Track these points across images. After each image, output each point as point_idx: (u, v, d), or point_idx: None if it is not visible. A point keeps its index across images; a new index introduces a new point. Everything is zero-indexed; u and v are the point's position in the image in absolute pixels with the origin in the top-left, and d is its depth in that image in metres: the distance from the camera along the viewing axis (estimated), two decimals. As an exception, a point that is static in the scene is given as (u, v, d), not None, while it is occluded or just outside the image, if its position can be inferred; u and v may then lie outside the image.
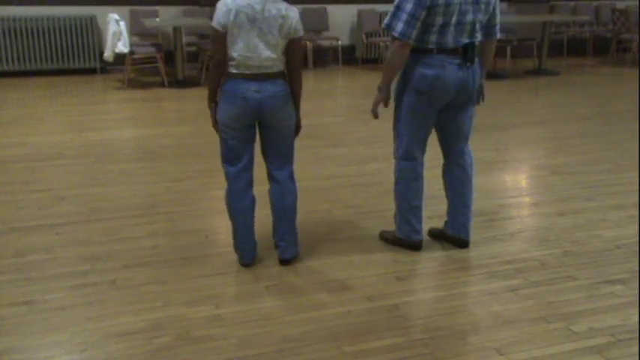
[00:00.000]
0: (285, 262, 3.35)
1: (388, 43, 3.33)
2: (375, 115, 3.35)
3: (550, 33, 9.70)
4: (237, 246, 3.34)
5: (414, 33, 3.07)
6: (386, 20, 3.14)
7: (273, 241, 3.40)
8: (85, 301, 2.99)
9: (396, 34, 3.09)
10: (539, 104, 7.38)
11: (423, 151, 3.41)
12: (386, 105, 3.33)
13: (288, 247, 3.35)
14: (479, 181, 4.67)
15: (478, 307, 2.96)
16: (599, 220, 3.98)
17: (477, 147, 5.51)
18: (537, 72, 9.43)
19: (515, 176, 4.83)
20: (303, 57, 3.19)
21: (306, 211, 4.08)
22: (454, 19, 3.08)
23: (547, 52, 9.54)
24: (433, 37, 3.12)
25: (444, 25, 3.09)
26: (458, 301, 3.03)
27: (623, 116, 6.78)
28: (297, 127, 3.30)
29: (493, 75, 9.01)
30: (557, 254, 3.52)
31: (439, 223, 3.73)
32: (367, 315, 2.90)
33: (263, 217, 3.69)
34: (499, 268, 3.34)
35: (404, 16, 3.05)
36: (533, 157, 5.30)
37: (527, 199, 4.34)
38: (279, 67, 3.08)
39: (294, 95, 3.19)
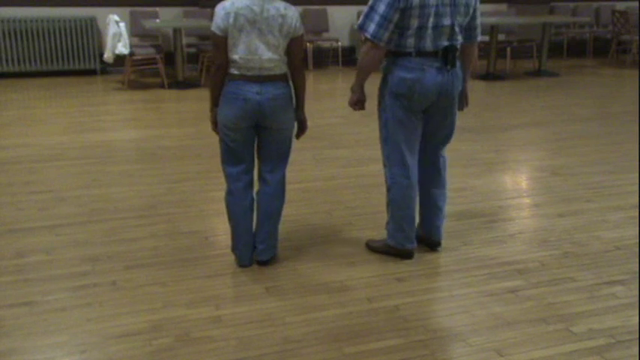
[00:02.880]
0: (262, 263, 3.34)
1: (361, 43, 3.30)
2: (359, 108, 3.34)
3: (550, 34, 9.70)
4: (236, 247, 3.34)
5: (386, 35, 3.04)
6: (359, 21, 3.11)
7: (253, 241, 3.38)
8: (85, 303, 2.99)
9: (367, 36, 3.06)
10: (539, 105, 7.38)
11: (414, 156, 3.33)
12: (362, 107, 3.32)
13: (268, 250, 3.34)
14: (479, 183, 4.67)
15: (478, 308, 2.96)
16: (600, 222, 3.98)
17: (477, 148, 5.52)
18: (537, 73, 9.43)
19: (516, 177, 4.83)
20: (304, 56, 3.17)
21: (307, 213, 4.08)
22: (431, 22, 3.04)
23: (547, 53, 9.55)
24: (410, 41, 3.08)
25: (421, 28, 3.05)
26: (458, 302, 3.03)
27: (623, 117, 6.78)
28: (303, 127, 3.29)
29: (493, 76, 9.02)
30: (557, 255, 3.52)
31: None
32: (368, 316, 2.90)
33: (263, 219, 3.68)
34: (499, 270, 3.34)
35: (376, 18, 3.02)
36: (533, 158, 5.30)
37: (527, 201, 4.34)
38: (282, 68, 3.08)
39: (298, 94, 3.18)
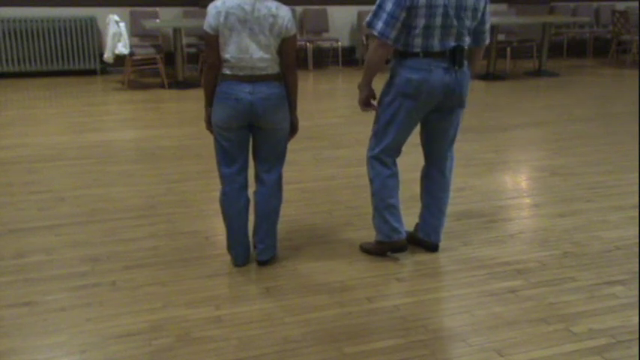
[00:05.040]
0: (262, 263, 3.35)
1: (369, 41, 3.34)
2: (366, 110, 3.34)
3: (550, 34, 9.70)
4: (231, 247, 3.34)
5: (393, 33, 3.06)
6: (367, 18, 3.12)
7: (252, 241, 3.40)
8: (84, 303, 2.99)
9: (375, 33, 3.08)
10: (539, 105, 7.38)
11: (399, 153, 3.38)
12: (369, 103, 3.32)
13: (267, 250, 3.34)
14: (479, 183, 4.67)
15: (478, 308, 2.96)
16: (600, 222, 3.98)
17: (477, 148, 5.52)
18: (537, 73, 9.43)
19: (516, 177, 4.83)
20: (297, 55, 3.20)
21: (307, 212, 4.08)
22: (438, 22, 3.05)
23: (547, 53, 9.55)
24: (418, 40, 3.09)
25: (427, 28, 3.06)
26: (458, 302, 3.03)
27: (623, 117, 6.78)
28: (294, 128, 3.29)
29: (493, 76, 9.02)
30: (558, 255, 3.52)
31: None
32: (368, 316, 2.89)
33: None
34: (499, 270, 3.34)
35: (384, 16, 3.04)
36: (533, 159, 5.30)
37: (527, 201, 4.34)
38: (275, 68, 3.07)
39: (290, 95, 3.17)
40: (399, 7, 3.01)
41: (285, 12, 3.02)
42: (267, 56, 3.02)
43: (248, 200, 3.29)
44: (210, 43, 3.03)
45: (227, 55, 3.01)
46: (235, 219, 3.26)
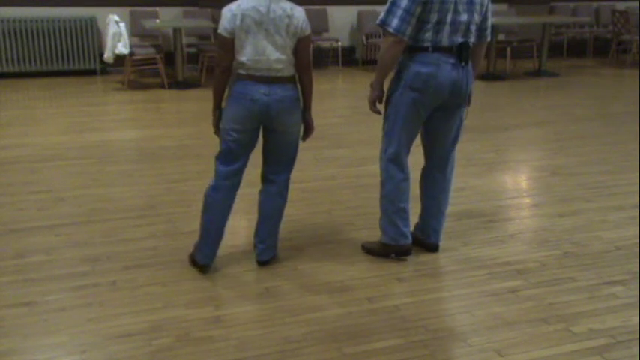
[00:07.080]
0: (262, 263, 3.34)
1: (382, 40, 3.29)
2: (377, 112, 3.33)
3: (550, 34, 9.69)
4: (204, 244, 3.24)
5: (409, 29, 3.05)
6: (380, 16, 3.11)
7: (253, 241, 3.39)
8: (85, 303, 2.99)
9: (390, 30, 3.06)
10: (539, 105, 7.38)
11: (409, 153, 3.36)
12: (380, 102, 3.32)
13: (267, 250, 3.33)
14: (479, 183, 4.67)
15: (478, 308, 2.96)
16: (600, 222, 3.98)
17: (476, 148, 5.52)
18: (537, 73, 9.43)
19: (515, 177, 4.83)
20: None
21: (307, 212, 4.07)
22: (449, 18, 3.06)
23: (547, 53, 9.54)
24: (428, 35, 3.09)
25: (439, 23, 3.06)
26: (458, 302, 3.03)
27: (623, 117, 6.78)
28: (309, 129, 3.28)
29: (493, 76, 9.01)
30: (558, 255, 3.52)
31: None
32: (368, 316, 2.89)
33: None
34: (499, 270, 3.34)
35: (399, 12, 3.03)
36: (533, 158, 5.30)
37: (527, 201, 4.34)
38: (290, 70, 3.06)
39: (305, 95, 3.15)
40: (415, 2, 3.01)
41: (299, 12, 3.02)
42: (283, 57, 3.01)
43: (233, 203, 3.23)
44: (226, 46, 3.01)
45: (243, 58, 3.00)
46: (219, 217, 3.20)
